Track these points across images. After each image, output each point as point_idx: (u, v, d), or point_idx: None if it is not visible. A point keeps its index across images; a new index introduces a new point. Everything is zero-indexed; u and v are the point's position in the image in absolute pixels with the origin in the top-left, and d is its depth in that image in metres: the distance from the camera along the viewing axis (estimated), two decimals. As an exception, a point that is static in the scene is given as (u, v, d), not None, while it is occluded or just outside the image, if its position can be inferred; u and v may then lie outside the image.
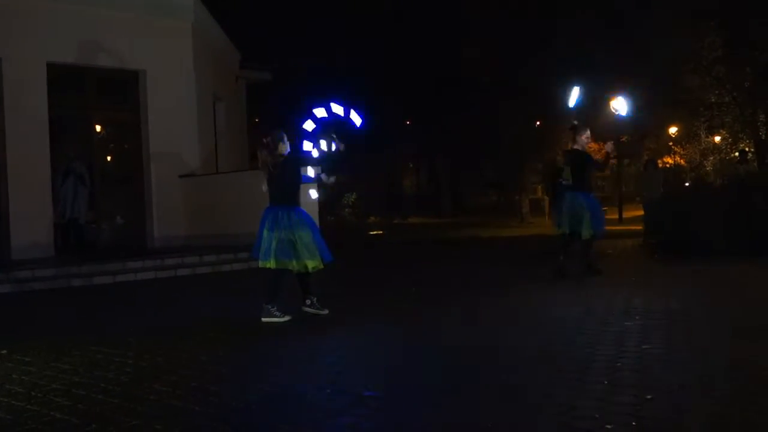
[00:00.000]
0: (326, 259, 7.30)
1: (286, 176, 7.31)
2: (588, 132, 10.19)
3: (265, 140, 7.47)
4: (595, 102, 27.62)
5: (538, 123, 31.95)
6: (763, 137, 26.45)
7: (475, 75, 29.94)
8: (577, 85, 10.51)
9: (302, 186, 7.62)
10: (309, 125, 8.04)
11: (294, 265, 7.16)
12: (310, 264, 7.19)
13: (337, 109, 7.97)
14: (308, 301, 7.37)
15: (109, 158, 15.44)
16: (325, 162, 8.20)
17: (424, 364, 5.33)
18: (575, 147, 10.13)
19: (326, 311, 7.35)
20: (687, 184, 23.09)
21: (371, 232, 24.97)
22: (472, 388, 4.59)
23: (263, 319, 7.10)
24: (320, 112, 7.97)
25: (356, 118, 7.90)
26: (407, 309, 7.87)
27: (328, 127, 7.81)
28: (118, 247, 13.87)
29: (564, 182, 15.91)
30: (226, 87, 18.78)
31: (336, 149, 7.72)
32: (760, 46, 23.81)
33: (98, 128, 14.96)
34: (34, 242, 12.75)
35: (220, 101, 18.02)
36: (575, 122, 10.34)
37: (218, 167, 16.88)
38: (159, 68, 14.70)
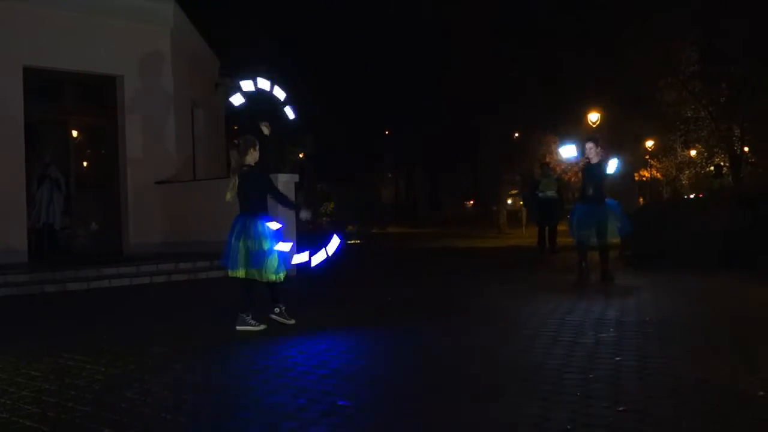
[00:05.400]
0: (284, 270, 7.30)
1: (254, 186, 7.29)
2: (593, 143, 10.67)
3: (236, 142, 7.47)
4: (574, 115, 27.83)
5: (516, 135, 32.14)
6: (738, 152, 26.78)
7: (454, 87, 30.08)
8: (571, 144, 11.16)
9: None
10: (236, 99, 8.05)
11: (262, 275, 7.15)
12: (281, 274, 7.20)
13: (264, 84, 8.02)
14: (276, 309, 7.35)
15: (85, 164, 15.32)
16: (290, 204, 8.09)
17: (398, 373, 5.33)
18: (590, 161, 10.54)
19: (293, 321, 7.33)
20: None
21: (349, 242, 24.94)
22: (444, 398, 4.59)
23: (238, 328, 7.07)
24: (247, 86, 7.98)
25: (290, 113, 7.96)
26: (381, 318, 7.86)
27: (259, 113, 7.81)
28: (93, 253, 13.76)
29: (540, 194, 16.12)
30: (205, 94, 18.72)
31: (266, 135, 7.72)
32: (734, 61, 24.12)
33: (75, 133, 14.83)
34: (7, 247, 12.61)
35: (199, 108, 17.95)
36: (590, 137, 10.96)
37: (195, 174, 16.80)
38: (137, 74, 14.64)
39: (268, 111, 8.14)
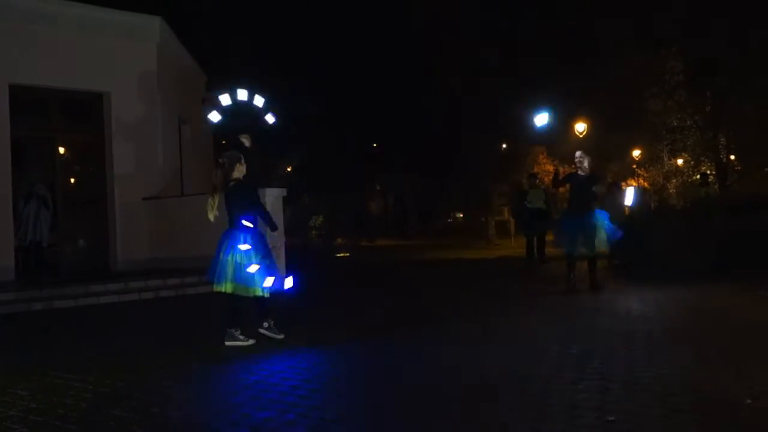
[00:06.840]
0: (270, 288, 7.25)
1: (241, 199, 7.29)
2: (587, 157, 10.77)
3: (221, 161, 7.48)
4: (559, 125, 27.90)
5: (504, 146, 32.20)
6: (724, 160, 26.91)
7: (441, 96, 30.16)
8: (545, 111, 11.11)
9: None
10: (214, 116, 8.06)
11: (250, 291, 7.13)
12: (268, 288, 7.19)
13: (242, 95, 8.04)
14: (265, 324, 7.32)
15: (72, 180, 15.25)
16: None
17: (386, 388, 5.32)
18: (580, 172, 10.62)
19: (282, 336, 7.29)
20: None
21: (338, 255, 24.90)
22: (434, 412, 4.58)
23: (227, 343, 7.05)
24: (225, 99, 7.97)
25: (270, 118, 8.01)
26: (370, 332, 7.85)
27: (240, 126, 7.81)
28: (81, 270, 13.69)
29: (528, 205, 16.19)
30: (192, 109, 18.70)
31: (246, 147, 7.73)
32: (718, 71, 24.28)
33: (62, 150, 14.77)
34: (-6, 265, 12.54)
35: (186, 123, 17.92)
36: (578, 152, 10.92)
37: (183, 190, 16.76)
38: (123, 90, 14.60)
39: (249, 122, 8.15)
